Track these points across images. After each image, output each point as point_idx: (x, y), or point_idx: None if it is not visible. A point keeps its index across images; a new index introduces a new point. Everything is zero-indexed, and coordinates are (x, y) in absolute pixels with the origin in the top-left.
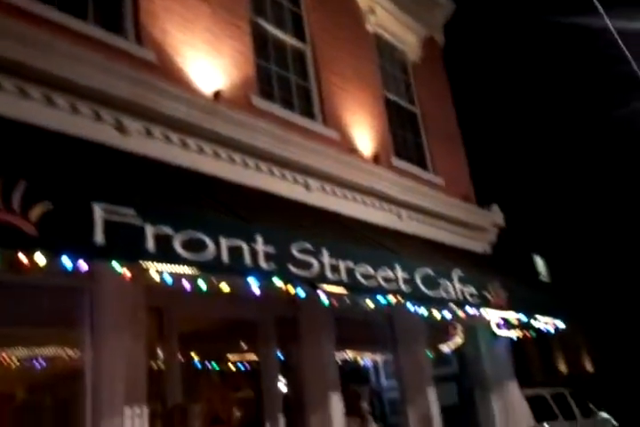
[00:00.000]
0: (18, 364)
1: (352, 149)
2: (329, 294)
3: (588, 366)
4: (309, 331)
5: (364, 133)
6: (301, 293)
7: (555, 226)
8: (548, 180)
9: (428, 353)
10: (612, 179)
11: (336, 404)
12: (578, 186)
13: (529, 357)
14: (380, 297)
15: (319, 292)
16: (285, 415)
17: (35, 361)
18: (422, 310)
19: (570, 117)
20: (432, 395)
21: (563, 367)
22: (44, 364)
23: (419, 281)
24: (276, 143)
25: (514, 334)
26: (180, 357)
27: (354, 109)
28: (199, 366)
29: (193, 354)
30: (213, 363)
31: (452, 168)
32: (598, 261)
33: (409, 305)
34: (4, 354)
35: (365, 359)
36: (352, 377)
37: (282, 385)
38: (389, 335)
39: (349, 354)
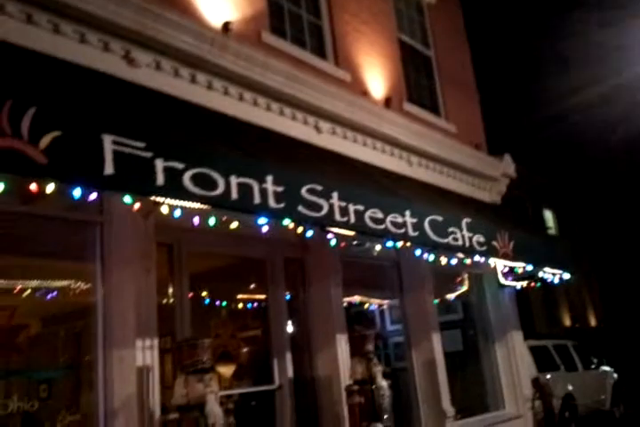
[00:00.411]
0: (31, 296)
1: (364, 92)
2: (337, 237)
3: (592, 321)
4: (317, 273)
5: (377, 76)
6: (309, 233)
7: (566, 179)
8: (560, 132)
9: (434, 300)
10: (626, 134)
11: (342, 345)
12: (592, 138)
13: (533, 309)
14: (388, 243)
15: (328, 234)
16: (292, 355)
17: (47, 293)
18: (430, 257)
19: (588, 64)
20: (437, 340)
21: (566, 321)
22: (56, 296)
23: (427, 227)
24: (287, 82)
25: (519, 284)
26: (189, 293)
27: (367, 50)
28: (208, 303)
29: (202, 292)
30: (222, 301)
31: (464, 115)
32: (607, 218)
33: (417, 251)
34: (17, 286)
35: (371, 304)
36: (357, 321)
37: (289, 325)
38: (396, 281)
39: (356, 298)
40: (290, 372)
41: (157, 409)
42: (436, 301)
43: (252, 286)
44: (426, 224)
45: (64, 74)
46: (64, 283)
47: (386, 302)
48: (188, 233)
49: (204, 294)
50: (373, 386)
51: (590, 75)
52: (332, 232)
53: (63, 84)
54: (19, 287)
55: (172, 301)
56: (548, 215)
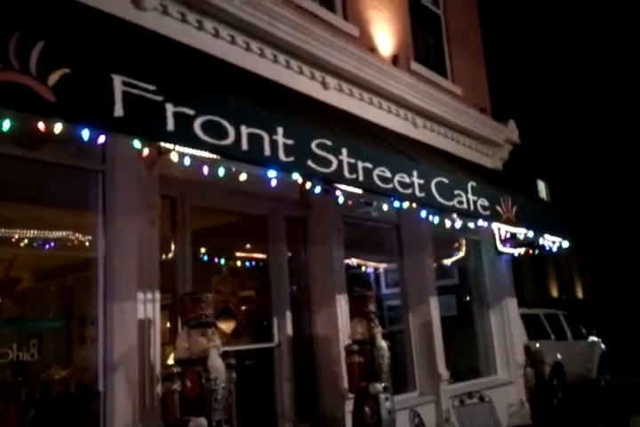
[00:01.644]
0: (30, 246)
1: (371, 48)
2: (344, 194)
3: (579, 293)
4: (318, 233)
5: (385, 32)
6: (317, 189)
7: (559, 151)
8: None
9: (434, 266)
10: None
11: (342, 305)
12: (592, 110)
13: (522, 277)
14: (395, 203)
15: (335, 191)
16: (292, 314)
17: (48, 244)
18: (435, 219)
19: (595, 36)
20: (434, 304)
21: (554, 291)
22: (58, 247)
23: (434, 189)
24: (294, 32)
25: (517, 251)
26: (191, 248)
27: (376, 5)
28: (209, 260)
29: (204, 248)
30: (224, 258)
31: (471, 78)
32: (598, 191)
33: (422, 213)
34: (17, 235)
35: (368, 267)
36: (355, 283)
37: (289, 284)
38: (396, 244)
39: (353, 260)
40: (289, 330)
41: (158, 363)
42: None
43: (254, 244)
44: (432, 186)
45: (70, 11)
46: (65, 233)
47: (383, 265)
48: (192, 186)
49: (206, 250)
50: (373, 346)
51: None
52: (339, 189)
53: (71, 22)
54: (17, 237)
55: (173, 256)
56: (541, 186)
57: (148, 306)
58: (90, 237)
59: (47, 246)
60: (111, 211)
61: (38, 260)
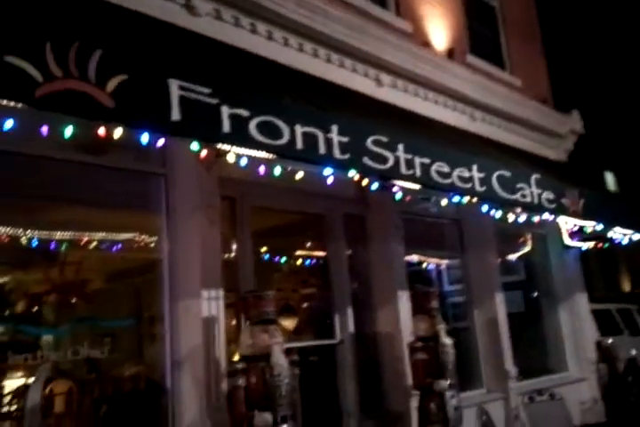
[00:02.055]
0: (99, 248)
1: (425, 43)
2: (402, 191)
3: None
4: (378, 230)
5: (439, 27)
6: (374, 186)
7: (627, 141)
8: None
9: (498, 260)
10: None
11: (403, 302)
12: None
13: (592, 271)
14: (455, 198)
15: (393, 187)
16: (353, 311)
17: (115, 246)
18: (496, 213)
19: None
20: (500, 300)
21: (626, 286)
22: (124, 248)
23: (495, 183)
24: (348, 32)
25: (585, 244)
26: (252, 247)
27: (429, 0)
28: (270, 259)
29: (264, 247)
30: (284, 257)
31: (530, 68)
32: None
33: (483, 207)
34: (86, 238)
35: (430, 264)
36: (416, 280)
37: (350, 282)
38: (457, 240)
39: (414, 257)
40: (351, 327)
41: (223, 359)
42: (499, 261)
43: (313, 242)
44: (493, 179)
45: (126, 20)
46: (131, 235)
47: (444, 261)
48: (250, 187)
49: (266, 249)
50: (437, 343)
51: None
52: (396, 186)
53: (127, 30)
54: (86, 239)
55: (234, 256)
56: (610, 177)
57: (211, 304)
58: (154, 239)
59: (114, 248)
60: (173, 212)
61: (107, 262)
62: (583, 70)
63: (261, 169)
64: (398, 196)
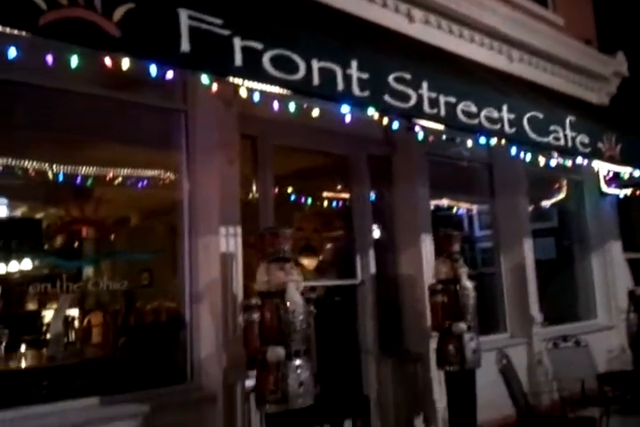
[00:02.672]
0: (123, 185)
1: None
2: (425, 131)
3: None
4: (403, 173)
5: None
6: (395, 125)
7: None
8: None
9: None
10: None
11: (426, 245)
12: None
13: (633, 219)
14: (481, 139)
15: (415, 126)
16: (375, 253)
17: (141, 182)
18: (527, 157)
19: None
20: (528, 246)
21: None
22: (148, 186)
23: (526, 124)
24: None
25: (622, 191)
26: (273, 187)
27: None
28: (291, 200)
29: (286, 188)
30: (306, 198)
31: (574, 7)
32: None
33: (512, 149)
34: (110, 174)
35: (460, 209)
36: (444, 224)
37: (373, 224)
38: (488, 184)
39: (444, 202)
40: (372, 269)
41: (240, 294)
42: (530, 208)
43: (336, 184)
44: (524, 121)
45: None
46: (153, 173)
47: (475, 206)
48: (272, 125)
49: (288, 190)
50: (458, 286)
51: None
52: (419, 125)
53: None
54: (111, 175)
55: (255, 196)
56: None
57: (230, 241)
58: (175, 176)
59: (140, 185)
60: (194, 149)
61: (132, 198)
62: (630, 10)
63: (282, 107)
64: (420, 136)
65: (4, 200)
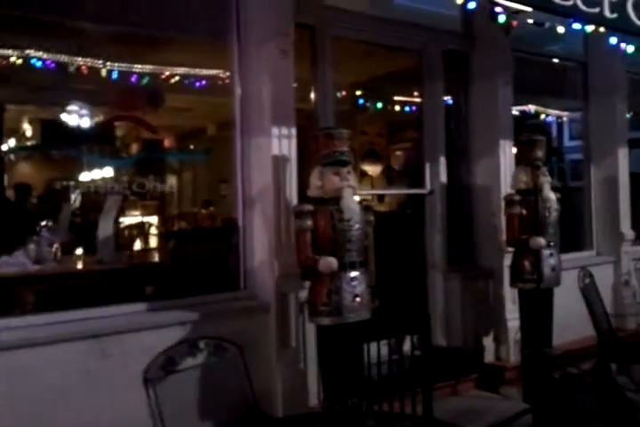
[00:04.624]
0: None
1: None
2: (508, 14)
3: None
4: (483, 71)
5: None
6: (472, 5)
7: None
8: None
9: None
10: None
11: (506, 152)
12: None
13: None
14: (575, 24)
15: (495, 7)
16: (449, 160)
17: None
18: (628, 48)
19: None
20: (623, 156)
21: None
22: (203, 84)
23: (630, 9)
24: None
25: None
26: (333, 88)
27: None
28: (354, 99)
29: (347, 87)
30: (370, 98)
31: None
32: None
33: (612, 39)
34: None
35: (548, 116)
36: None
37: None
38: (581, 87)
39: (530, 107)
40: (443, 177)
41: (294, 199)
42: (629, 115)
43: (406, 83)
44: (629, 5)
45: None
46: (208, 72)
47: (566, 113)
48: (333, 13)
49: (350, 89)
50: (538, 197)
51: None
52: (500, 5)
53: None
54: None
55: (313, 94)
56: None
57: (283, 142)
58: (227, 73)
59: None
60: (245, 40)
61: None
62: None
63: None
64: (502, 19)
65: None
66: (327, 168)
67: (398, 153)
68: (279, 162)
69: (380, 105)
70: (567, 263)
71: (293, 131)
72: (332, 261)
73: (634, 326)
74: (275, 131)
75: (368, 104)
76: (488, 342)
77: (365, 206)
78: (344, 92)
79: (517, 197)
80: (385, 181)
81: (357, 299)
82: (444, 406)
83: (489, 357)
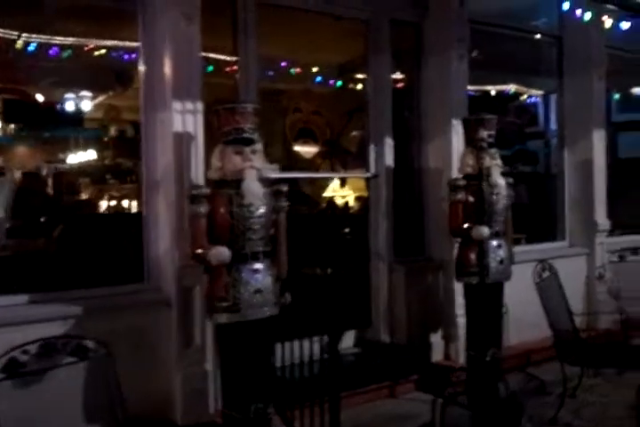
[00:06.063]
0: None
1: None
2: None
3: None
4: (435, 42)
5: None
6: None
7: None
8: None
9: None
10: None
11: (459, 134)
12: None
13: None
14: None
15: None
16: (396, 142)
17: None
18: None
19: None
20: (599, 139)
21: None
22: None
23: None
24: None
25: None
26: (257, 57)
27: None
28: (285, 73)
29: (277, 61)
30: (302, 70)
31: None
32: None
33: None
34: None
35: (531, 96)
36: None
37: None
38: (555, 64)
39: (510, 87)
40: (389, 160)
41: (201, 182)
42: (617, 95)
43: (348, 56)
44: None
45: None
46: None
47: (540, 93)
48: None
49: (277, 60)
50: (485, 182)
51: None
52: None
53: None
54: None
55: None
56: None
57: (187, 118)
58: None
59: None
60: (151, 6)
61: None
62: None
63: None
64: None
65: None
66: (229, 147)
67: (354, 133)
68: (182, 140)
69: (318, 79)
70: (531, 255)
71: (199, 105)
72: (222, 252)
73: (608, 325)
74: (177, 105)
75: (295, 74)
76: (436, 339)
77: (276, 191)
78: (273, 66)
79: (462, 182)
80: (339, 165)
81: (260, 293)
82: (372, 410)
83: (437, 355)
